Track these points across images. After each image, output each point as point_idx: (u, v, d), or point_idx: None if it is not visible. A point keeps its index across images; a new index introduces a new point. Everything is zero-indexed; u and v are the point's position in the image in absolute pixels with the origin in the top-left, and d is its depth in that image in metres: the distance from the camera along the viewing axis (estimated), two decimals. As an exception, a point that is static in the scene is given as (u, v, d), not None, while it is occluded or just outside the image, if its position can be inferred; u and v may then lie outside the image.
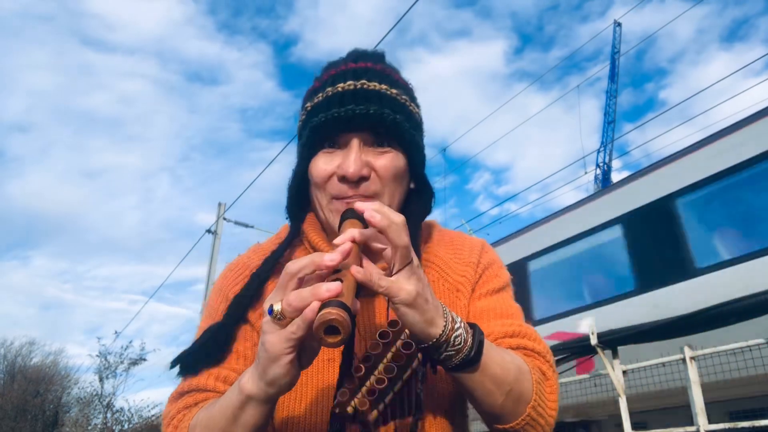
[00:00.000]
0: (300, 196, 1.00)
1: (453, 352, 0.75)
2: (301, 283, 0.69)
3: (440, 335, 0.74)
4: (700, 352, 4.61)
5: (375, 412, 0.78)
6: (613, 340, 5.08)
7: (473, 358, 0.76)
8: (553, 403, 0.89)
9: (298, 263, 0.69)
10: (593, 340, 5.00)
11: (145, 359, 21.53)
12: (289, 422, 0.89)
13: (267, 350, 0.68)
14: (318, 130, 0.90)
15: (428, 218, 1.04)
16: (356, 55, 0.98)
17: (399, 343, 0.82)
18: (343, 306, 0.63)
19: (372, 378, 0.80)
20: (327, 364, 0.90)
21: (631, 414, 4.91)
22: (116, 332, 22.31)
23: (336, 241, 0.71)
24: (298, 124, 0.99)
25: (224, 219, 14.94)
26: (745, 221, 5.95)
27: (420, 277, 0.73)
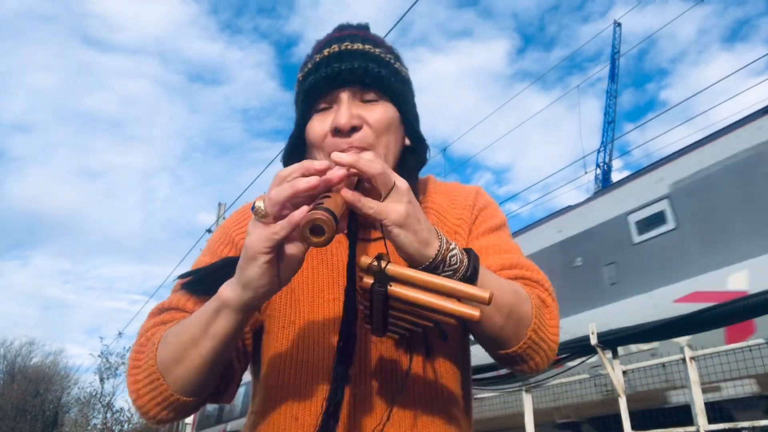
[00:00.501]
0: (298, 159, 0.99)
1: (450, 272, 0.75)
2: None
3: (436, 255, 0.74)
4: (700, 352, 4.61)
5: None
6: (613, 340, 5.08)
7: (470, 277, 0.76)
8: (555, 329, 0.90)
9: (288, 168, 0.70)
10: (593, 340, 5.00)
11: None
12: (295, 358, 0.90)
13: (246, 248, 0.69)
14: (309, 93, 0.93)
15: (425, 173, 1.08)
16: (341, 27, 1.02)
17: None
18: (329, 211, 0.65)
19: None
20: (332, 303, 0.91)
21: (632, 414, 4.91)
22: (120, 332, 22.31)
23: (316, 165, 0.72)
24: (294, 98, 1.03)
25: (224, 219, 14.94)
26: None
27: (410, 199, 0.74)
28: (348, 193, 0.71)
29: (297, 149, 0.99)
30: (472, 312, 0.70)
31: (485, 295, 0.70)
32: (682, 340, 4.93)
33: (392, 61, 0.98)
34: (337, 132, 0.90)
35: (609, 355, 5.08)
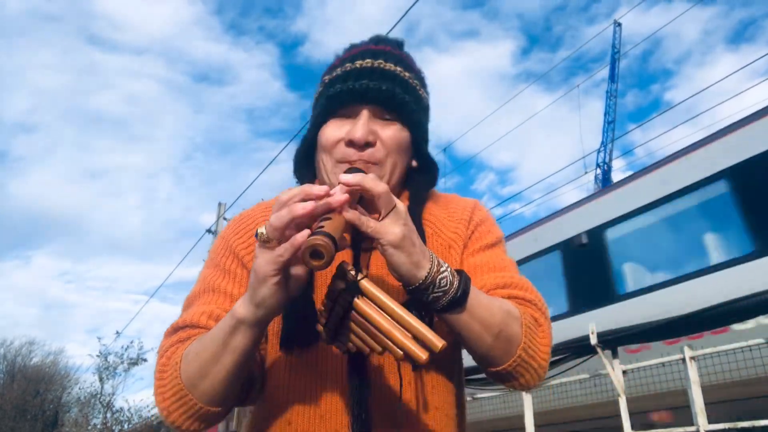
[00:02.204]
0: (308, 162, 1.06)
1: (440, 294, 0.79)
2: None
3: (426, 277, 0.77)
4: (700, 352, 4.61)
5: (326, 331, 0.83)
6: (613, 340, 5.07)
7: (459, 299, 0.80)
8: (546, 347, 0.92)
9: (289, 192, 0.74)
10: (593, 340, 5.00)
11: (145, 359, 21.57)
12: (291, 362, 0.94)
13: (256, 271, 0.74)
14: (332, 100, 0.97)
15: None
16: (377, 39, 1.05)
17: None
18: (328, 236, 0.68)
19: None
20: None
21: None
22: (117, 332, 22.31)
23: (331, 192, 0.76)
24: (314, 96, 1.05)
25: (224, 219, 14.96)
26: None
27: (406, 222, 0.78)
28: (349, 213, 0.74)
29: (310, 149, 1.03)
30: (420, 354, 0.72)
31: (438, 344, 0.72)
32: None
33: (417, 87, 1.01)
34: (350, 144, 0.94)
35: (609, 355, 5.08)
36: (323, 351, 0.91)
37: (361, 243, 0.93)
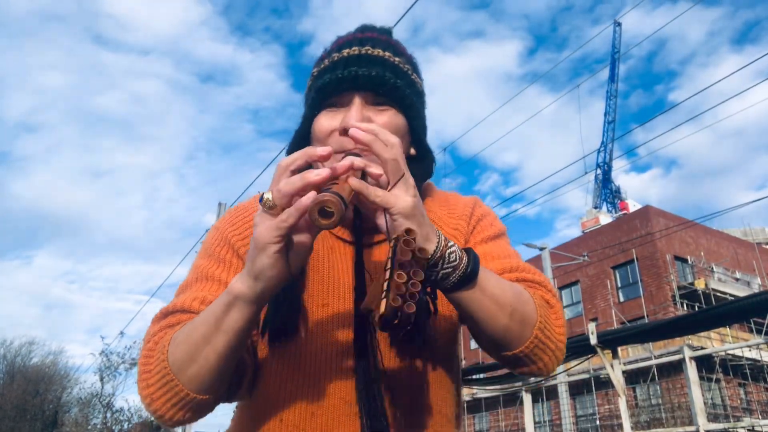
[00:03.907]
0: None
1: (450, 269, 0.76)
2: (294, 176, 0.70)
3: (435, 250, 0.74)
4: (700, 352, 4.61)
5: (412, 305, 0.68)
6: (613, 340, 5.08)
7: (470, 274, 0.77)
8: (561, 328, 0.89)
9: (291, 156, 0.71)
10: (593, 340, 5.00)
11: (145, 359, 21.49)
12: (312, 336, 0.89)
13: (256, 239, 0.69)
14: (322, 91, 0.93)
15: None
16: (363, 28, 1.02)
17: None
18: (336, 194, 0.64)
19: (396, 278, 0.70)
20: (327, 309, 0.90)
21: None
22: (121, 332, 22.28)
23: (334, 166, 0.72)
24: (305, 91, 1.02)
25: (224, 219, 14.91)
26: None
27: (416, 193, 0.75)
28: (355, 181, 0.71)
29: (303, 142, 0.99)
30: None
31: None
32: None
33: (409, 72, 0.98)
34: (345, 132, 0.89)
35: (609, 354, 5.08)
36: (313, 344, 0.88)
37: (362, 238, 0.91)
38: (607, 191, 40.80)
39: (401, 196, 0.73)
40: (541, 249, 13.92)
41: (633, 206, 33.37)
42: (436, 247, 0.75)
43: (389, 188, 0.73)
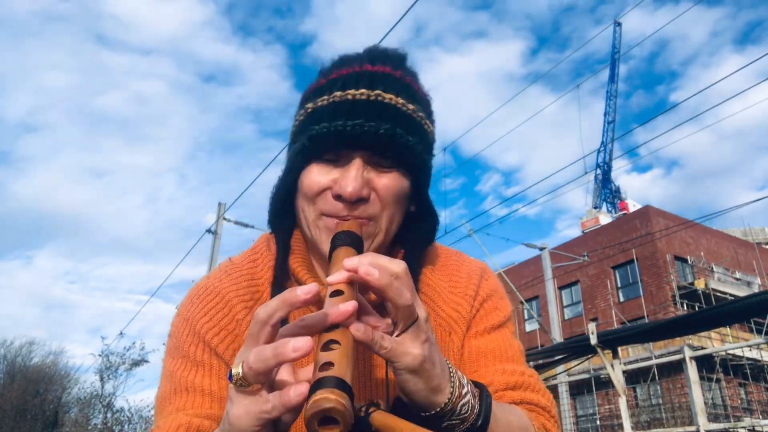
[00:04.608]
0: (285, 205, 0.89)
1: (457, 422, 0.67)
2: (276, 331, 0.58)
3: (446, 404, 0.66)
4: (700, 352, 4.61)
5: None
6: (613, 340, 5.07)
7: (481, 426, 0.68)
8: None
9: (268, 308, 0.58)
10: (593, 340, 5.00)
11: (147, 360, 21.53)
12: None
13: (231, 424, 0.58)
14: (318, 141, 0.80)
15: None
16: (374, 55, 0.86)
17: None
18: (341, 385, 0.50)
19: None
20: None
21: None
22: (121, 333, 22.26)
23: (329, 279, 0.62)
24: (293, 123, 0.89)
25: (224, 219, 14.94)
26: None
27: (428, 337, 0.64)
28: (359, 332, 0.59)
29: (288, 197, 0.87)
30: None
31: None
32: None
33: (423, 121, 0.85)
34: (338, 197, 0.79)
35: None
36: None
37: None
38: (607, 191, 40.85)
39: (409, 349, 0.62)
40: (541, 249, 13.96)
41: (633, 206, 33.42)
42: (448, 400, 0.65)
43: (397, 333, 0.63)
